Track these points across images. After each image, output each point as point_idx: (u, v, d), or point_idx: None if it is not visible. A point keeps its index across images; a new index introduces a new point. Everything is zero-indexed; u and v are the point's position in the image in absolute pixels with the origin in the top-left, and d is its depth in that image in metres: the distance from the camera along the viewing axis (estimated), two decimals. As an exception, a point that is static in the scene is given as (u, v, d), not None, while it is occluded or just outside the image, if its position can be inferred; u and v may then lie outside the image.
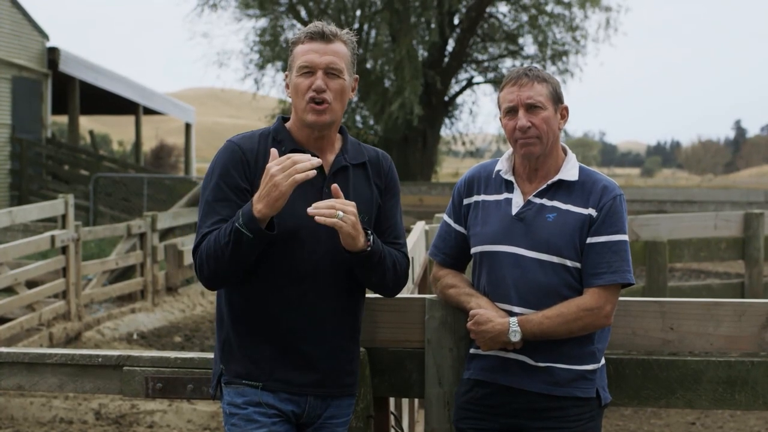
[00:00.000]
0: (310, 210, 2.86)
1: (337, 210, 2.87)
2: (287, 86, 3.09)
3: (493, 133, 29.17)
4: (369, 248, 2.95)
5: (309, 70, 3.01)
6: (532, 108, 3.12)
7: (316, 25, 3.07)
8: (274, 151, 2.91)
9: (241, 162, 3.00)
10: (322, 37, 3.03)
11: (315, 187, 3.00)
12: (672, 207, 19.35)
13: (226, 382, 3.05)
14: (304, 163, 2.84)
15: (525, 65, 3.26)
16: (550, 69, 25.32)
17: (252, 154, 3.01)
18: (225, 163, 3.01)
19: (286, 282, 2.99)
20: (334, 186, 2.94)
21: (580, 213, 3.12)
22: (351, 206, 2.91)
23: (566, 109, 3.21)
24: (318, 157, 2.97)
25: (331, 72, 3.01)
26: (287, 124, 3.11)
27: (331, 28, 3.06)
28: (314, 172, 2.85)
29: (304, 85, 3.01)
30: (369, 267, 3.00)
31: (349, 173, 3.09)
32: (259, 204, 2.84)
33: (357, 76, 3.13)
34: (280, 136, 3.07)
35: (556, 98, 3.16)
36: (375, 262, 3.00)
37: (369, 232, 2.99)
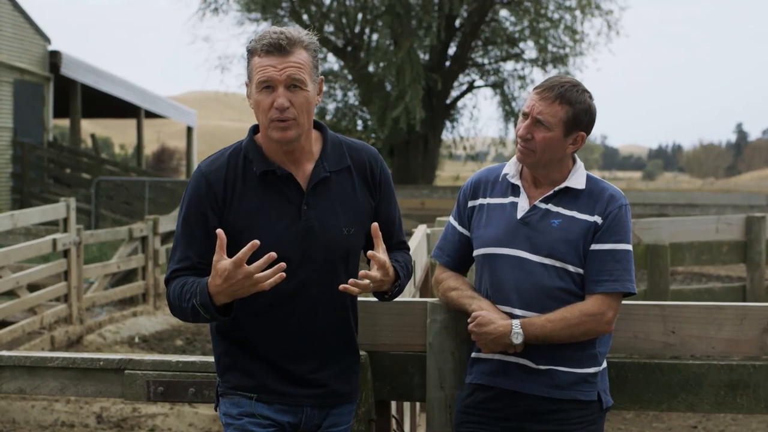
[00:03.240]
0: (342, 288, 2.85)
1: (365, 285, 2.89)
2: (248, 96, 2.94)
3: (492, 136, 29.17)
4: (390, 295, 3.04)
5: (268, 86, 2.86)
6: (538, 123, 3.11)
7: (272, 35, 2.86)
8: (252, 246, 2.74)
9: (207, 196, 2.93)
10: (280, 50, 2.84)
11: (293, 205, 2.93)
12: (674, 210, 19.32)
13: (222, 393, 3.04)
14: (270, 280, 2.75)
15: (568, 76, 3.19)
16: (551, 72, 25.29)
17: (219, 184, 2.93)
18: (191, 197, 2.96)
19: (272, 302, 2.93)
20: (374, 256, 2.90)
21: (585, 220, 3.12)
22: (381, 273, 2.89)
23: (583, 137, 3.15)
24: (291, 173, 2.93)
25: (292, 85, 2.86)
26: (257, 137, 3.00)
27: (289, 34, 2.86)
28: (282, 274, 2.76)
29: (266, 104, 2.86)
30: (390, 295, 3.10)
31: (330, 183, 2.97)
32: (219, 295, 2.78)
33: (321, 77, 2.96)
34: (250, 155, 2.96)
35: (573, 124, 3.11)
36: (396, 292, 3.06)
37: (398, 277, 3.00)
